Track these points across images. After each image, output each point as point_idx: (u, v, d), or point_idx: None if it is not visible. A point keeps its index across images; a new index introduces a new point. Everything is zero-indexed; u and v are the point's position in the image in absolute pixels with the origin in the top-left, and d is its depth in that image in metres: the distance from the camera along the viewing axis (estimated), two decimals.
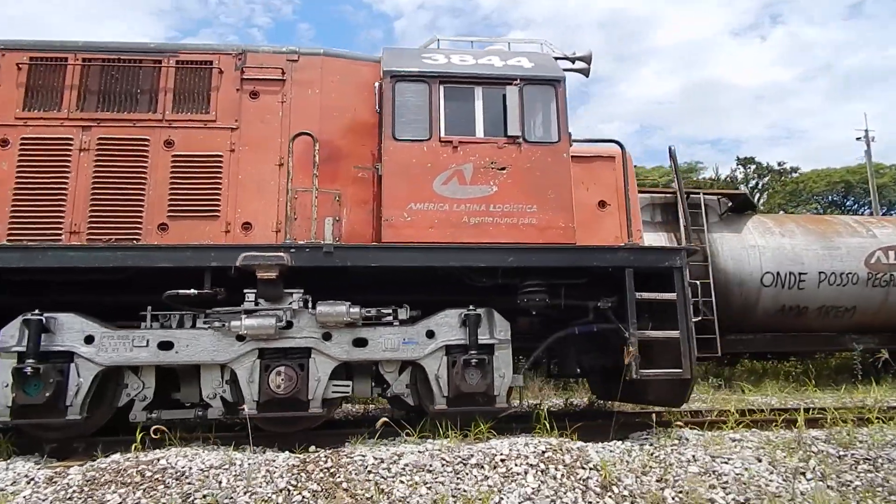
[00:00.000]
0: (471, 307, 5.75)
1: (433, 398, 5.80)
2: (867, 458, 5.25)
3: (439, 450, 5.24)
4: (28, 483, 4.72)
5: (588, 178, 6.54)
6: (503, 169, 5.81)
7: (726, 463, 5.13)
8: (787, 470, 5.05)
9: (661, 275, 5.86)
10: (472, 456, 5.12)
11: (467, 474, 4.90)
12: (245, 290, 5.53)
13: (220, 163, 5.98)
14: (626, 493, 4.78)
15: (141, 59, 6.13)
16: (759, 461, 5.16)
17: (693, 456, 5.25)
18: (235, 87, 6.18)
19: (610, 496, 4.73)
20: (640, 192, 12.49)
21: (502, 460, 5.07)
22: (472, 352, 5.67)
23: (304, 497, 4.62)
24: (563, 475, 4.89)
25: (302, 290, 5.60)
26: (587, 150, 6.63)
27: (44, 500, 4.43)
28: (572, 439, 5.69)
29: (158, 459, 4.90)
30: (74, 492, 4.53)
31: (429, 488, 4.71)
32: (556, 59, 7.04)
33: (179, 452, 5.07)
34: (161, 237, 5.75)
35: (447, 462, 5.04)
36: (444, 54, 6.30)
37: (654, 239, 11.36)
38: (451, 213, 5.68)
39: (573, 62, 7.21)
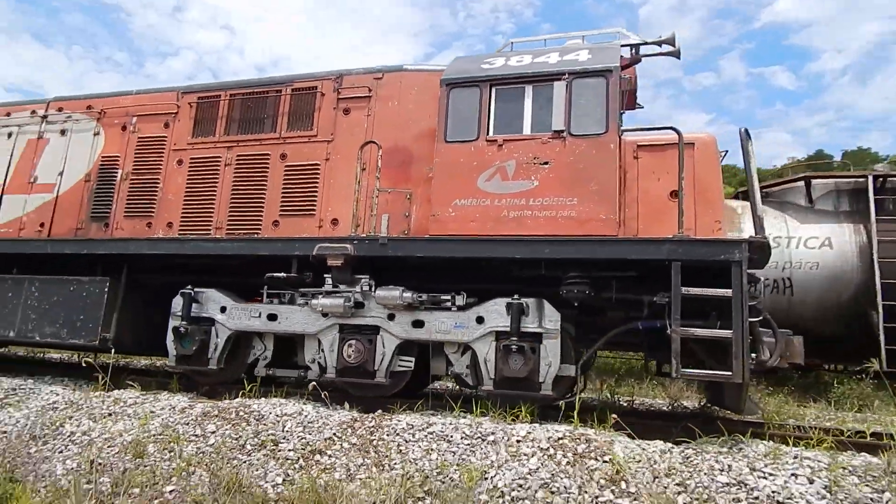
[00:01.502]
0: (515, 296, 6.02)
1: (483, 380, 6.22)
2: None
3: (469, 424, 5.66)
4: (169, 410, 6.45)
5: (660, 167, 6.23)
6: (546, 164, 5.95)
7: (765, 478, 4.61)
8: (846, 499, 4.35)
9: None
10: (492, 433, 5.45)
11: (480, 449, 5.27)
12: (325, 275, 6.63)
13: (318, 170, 7.21)
14: (633, 490, 4.66)
15: (268, 90, 7.69)
16: (811, 482, 4.51)
17: (729, 465, 4.81)
18: (333, 107, 7.36)
19: (612, 490, 4.67)
20: (821, 176, 10.84)
21: (518, 441, 5.30)
22: (513, 338, 5.94)
23: (342, 447, 5.51)
24: (567, 462, 4.94)
25: (368, 276, 6.49)
26: (660, 138, 6.31)
27: (172, 422, 6.05)
28: (611, 432, 5.60)
29: (251, 405, 6.23)
30: (192, 419, 6.08)
31: (440, 455, 5.21)
32: (637, 45, 6.83)
33: (269, 402, 6.36)
34: (274, 231, 7.18)
35: (467, 436, 5.46)
36: (505, 56, 6.61)
37: (829, 231, 9.73)
38: (491, 208, 6.03)
39: (660, 45, 6.90)
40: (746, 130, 5.61)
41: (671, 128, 5.80)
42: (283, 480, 5.02)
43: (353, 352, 6.51)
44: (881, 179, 9.99)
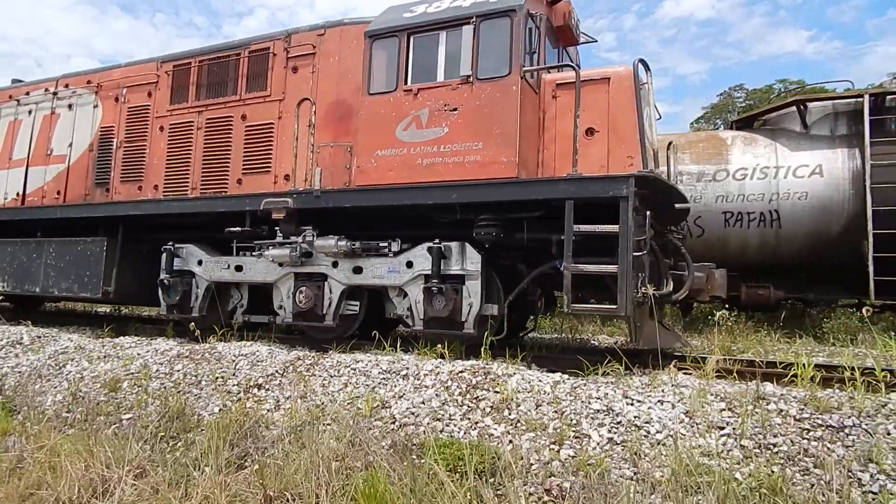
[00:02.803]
0: (436, 241, 6.33)
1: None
2: (832, 426, 4.28)
3: (391, 360, 6.17)
4: (153, 352, 7.40)
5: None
6: (455, 110, 6.08)
7: (632, 405, 4.84)
8: (703, 422, 4.54)
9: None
10: (406, 369, 5.93)
11: (392, 382, 5.78)
12: (276, 228, 7.20)
13: (272, 129, 7.69)
14: (513, 416, 5.03)
15: (229, 54, 8.15)
16: (673, 407, 4.71)
17: (606, 394, 5.05)
18: (283, 66, 7.72)
19: (492, 417, 5.06)
20: (817, 98, 10.05)
21: (425, 375, 5.76)
22: (434, 280, 6.30)
23: (280, 382, 6.20)
24: (460, 392, 5.36)
25: (311, 227, 7.00)
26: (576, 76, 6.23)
27: (150, 361, 6.99)
28: (525, 366, 5.94)
29: (216, 347, 7.05)
30: (167, 359, 6.98)
31: (355, 388, 5.78)
32: None
33: (232, 345, 7.14)
34: (238, 189, 7.80)
35: (384, 371, 5.97)
36: (428, 3, 6.66)
37: (821, 158, 9.12)
38: (407, 157, 6.28)
39: None
40: (643, 60, 5.48)
41: (569, 65, 5.74)
42: (220, 410, 5.78)
43: (303, 297, 7.13)
44: (880, 98, 9.09)
